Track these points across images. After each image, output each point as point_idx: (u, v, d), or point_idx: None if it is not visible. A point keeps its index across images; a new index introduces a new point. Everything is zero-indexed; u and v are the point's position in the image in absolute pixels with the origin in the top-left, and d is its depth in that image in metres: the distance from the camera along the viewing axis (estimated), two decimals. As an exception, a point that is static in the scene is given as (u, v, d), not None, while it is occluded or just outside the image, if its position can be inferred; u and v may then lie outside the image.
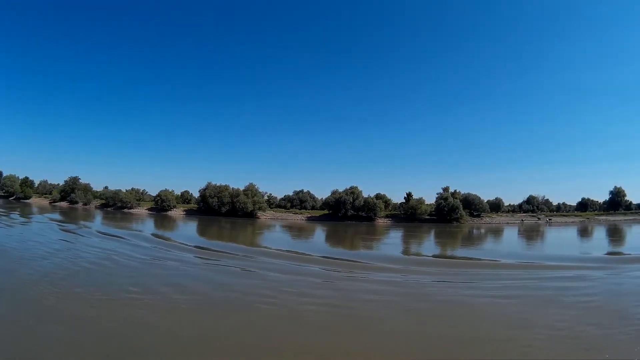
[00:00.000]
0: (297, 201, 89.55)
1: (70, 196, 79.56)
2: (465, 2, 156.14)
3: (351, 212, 69.24)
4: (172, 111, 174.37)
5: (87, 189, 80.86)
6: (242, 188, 75.75)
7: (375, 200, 69.50)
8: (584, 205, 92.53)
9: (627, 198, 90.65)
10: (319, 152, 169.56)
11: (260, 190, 77.83)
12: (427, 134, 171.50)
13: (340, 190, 72.44)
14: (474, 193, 76.88)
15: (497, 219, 77.43)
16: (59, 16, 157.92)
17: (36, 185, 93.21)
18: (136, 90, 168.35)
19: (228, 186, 74.96)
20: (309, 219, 71.69)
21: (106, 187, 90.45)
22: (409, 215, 70.41)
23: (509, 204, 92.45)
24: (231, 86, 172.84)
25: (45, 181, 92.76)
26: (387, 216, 72.41)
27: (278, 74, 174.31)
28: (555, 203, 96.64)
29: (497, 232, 53.47)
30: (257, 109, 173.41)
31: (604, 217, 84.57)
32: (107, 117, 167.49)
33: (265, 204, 74.14)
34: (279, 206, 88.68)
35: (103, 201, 79.73)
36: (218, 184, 75.31)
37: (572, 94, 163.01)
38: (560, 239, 45.76)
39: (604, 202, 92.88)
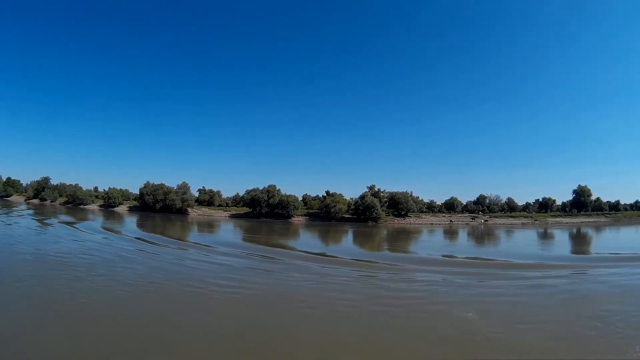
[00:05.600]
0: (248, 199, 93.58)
1: (41, 194, 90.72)
2: None
3: (266, 209, 71.19)
4: (167, 113, 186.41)
5: (56, 187, 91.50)
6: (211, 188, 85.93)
7: (289, 199, 70.72)
8: (544, 206, 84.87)
9: (592, 197, 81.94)
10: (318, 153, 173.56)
11: (212, 189, 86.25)
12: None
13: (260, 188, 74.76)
14: (401, 191, 74.74)
15: (425, 219, 74.44)
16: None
17: (26, 184, 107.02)
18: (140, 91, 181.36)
19: (164, 185, 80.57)
20: (232, 216, 74.81)
21: (95, 187, 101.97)
22: (325, 213, 70.56)
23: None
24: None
25: (35, 182, 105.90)
26: (305, 214, 73.21)
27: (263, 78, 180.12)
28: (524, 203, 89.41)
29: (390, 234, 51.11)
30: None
31: (557, 219, 77.22)
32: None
33: (193, 202, 78.72)
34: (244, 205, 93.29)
35: (66, 198, 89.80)
36: (156, 183, 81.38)
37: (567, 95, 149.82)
38: (432, 243, 40.76)
39: (564, 202, 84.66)
